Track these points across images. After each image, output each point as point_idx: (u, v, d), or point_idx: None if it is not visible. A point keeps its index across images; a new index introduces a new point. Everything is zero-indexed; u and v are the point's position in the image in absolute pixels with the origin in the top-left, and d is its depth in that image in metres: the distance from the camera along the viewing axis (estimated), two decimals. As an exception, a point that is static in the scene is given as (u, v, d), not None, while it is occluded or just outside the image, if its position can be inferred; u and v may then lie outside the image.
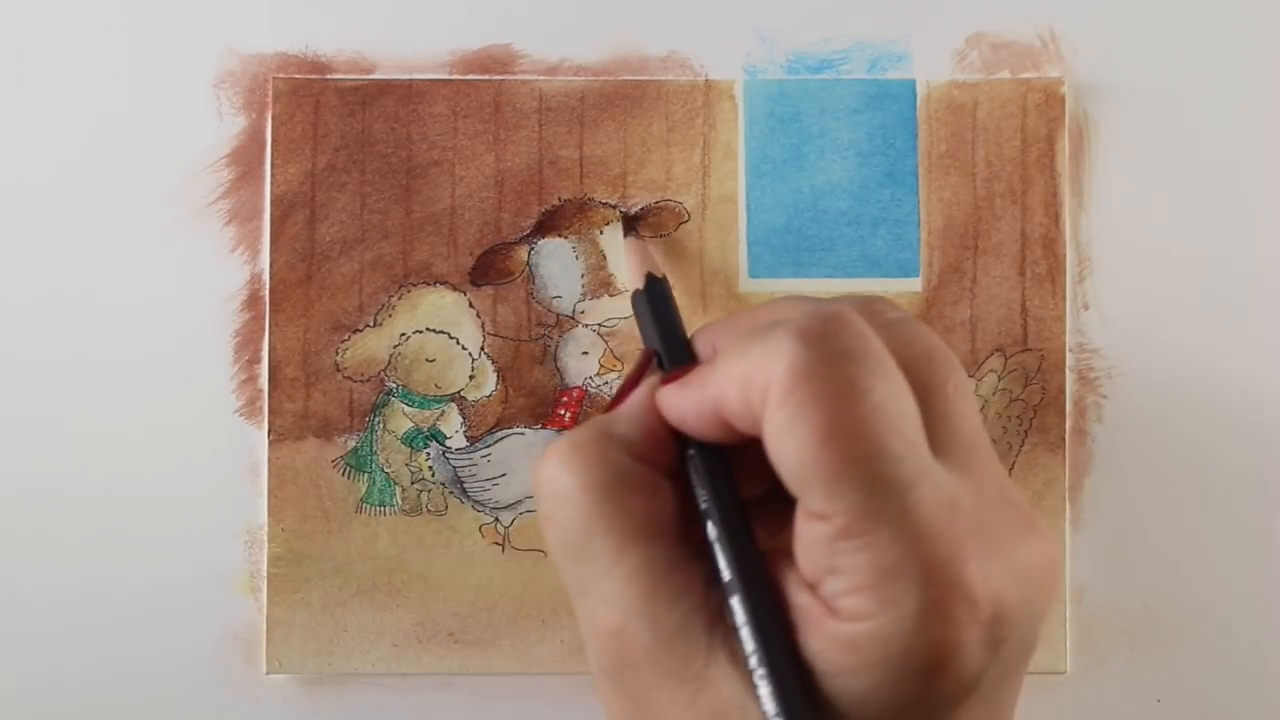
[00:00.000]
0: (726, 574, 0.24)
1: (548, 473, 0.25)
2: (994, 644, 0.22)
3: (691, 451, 0.26)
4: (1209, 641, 0.38)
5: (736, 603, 0.24)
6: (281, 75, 0.37)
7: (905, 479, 0.22)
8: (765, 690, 0.22)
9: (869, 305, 0.25)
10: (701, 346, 0.28)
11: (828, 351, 0.22)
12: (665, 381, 0.27)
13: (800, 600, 0.23)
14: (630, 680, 0.24)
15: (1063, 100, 0.37)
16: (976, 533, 0.23)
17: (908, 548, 0.22)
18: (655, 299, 0.31)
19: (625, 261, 0.36)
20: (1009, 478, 0.25)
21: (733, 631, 0.24)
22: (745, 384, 0.23)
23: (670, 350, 0.29)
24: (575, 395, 0.37)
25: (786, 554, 0.24)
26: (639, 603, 0.24)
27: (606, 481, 0.25)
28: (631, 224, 0.37)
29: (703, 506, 0.25)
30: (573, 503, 0.25)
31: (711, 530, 0.25)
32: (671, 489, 0.26)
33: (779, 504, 0.25)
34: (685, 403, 0.26)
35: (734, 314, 0.28)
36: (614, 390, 0.28)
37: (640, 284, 0.32)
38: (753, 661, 0.23)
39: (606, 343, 0.37)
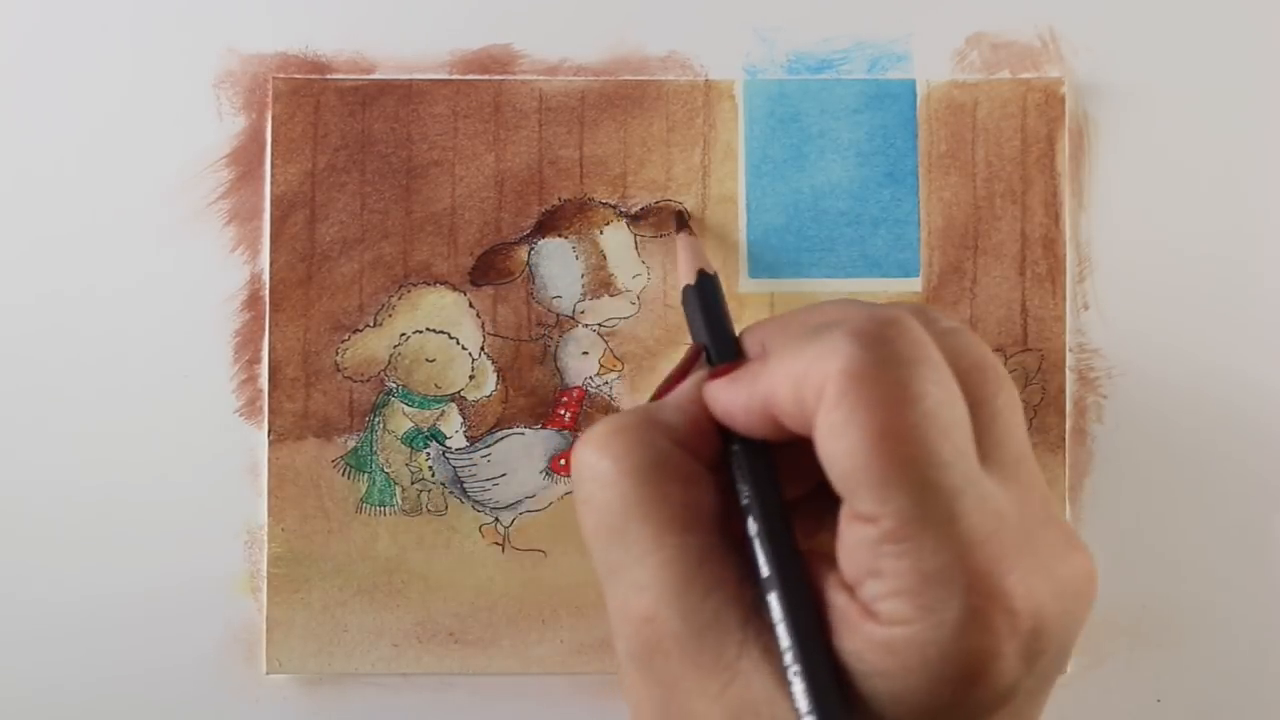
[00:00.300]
0: (765, 569, 0.24)
1: (587, 456, 0.25)
2: (1031, 657, 0.23)
3: (735, 447, 0.26)
4: (1209, 641, 0.38)
5: (774, 599, 0.24)
6: (281, 75, 0.37)
7: (954, 486, 0.22)
8: (799, 687, 0.22)
9: (923, 313, 0.25)
10: (750, 344, 0.28)
11: (884, 355, 0.22)
12: (714, 376, 0.26)
13: (838, 601, 0.23)
14: (659, 667, 0.24)
15: (1063, 100, 0.37)
16: (1020, 545, 0.23)
17: (952, 555, 0.22)
18: (706, 295, 0.31)
19: (679, 257, 0.35)
20: (1050, 493, 0.25)
21: (767, 627, 0.24)
22: (798, 382, 0.23)
23: (719, 346, 0.29)
24: (575, 395, 0.37)
25: (824, 555, 0.24)
26: (673, 591, 0.24)
27: (647, 467, 0.25)
28: (684, 221, 0.37)
29: (744, 502, 0.25)
30: (612, 486, 0.25)
31: (752, 526, 0.25)
32: (712, 481, 0.26)
33: (818, 505, 0.25)
34: (734, 398, 0.25)
35: (784, 313, 0.28)
36: (661, 381, 0.28)
37: (692, 279, 0.32)
38: (788, 658, 0.23)
39: (606, 343, 0.37)
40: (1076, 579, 0.24)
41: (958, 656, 0.22)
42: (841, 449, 0.22)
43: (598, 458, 0.25)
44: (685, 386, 0.27)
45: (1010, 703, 0.23)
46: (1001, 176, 0.37)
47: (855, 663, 0.23)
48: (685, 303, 0.31)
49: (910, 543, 0.22)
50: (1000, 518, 0.23)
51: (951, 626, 0.22)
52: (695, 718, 0.23)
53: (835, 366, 0.22)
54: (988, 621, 0.22)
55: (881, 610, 0.22)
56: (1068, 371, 0.37)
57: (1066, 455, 0.37)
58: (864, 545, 0.22)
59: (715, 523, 0.25)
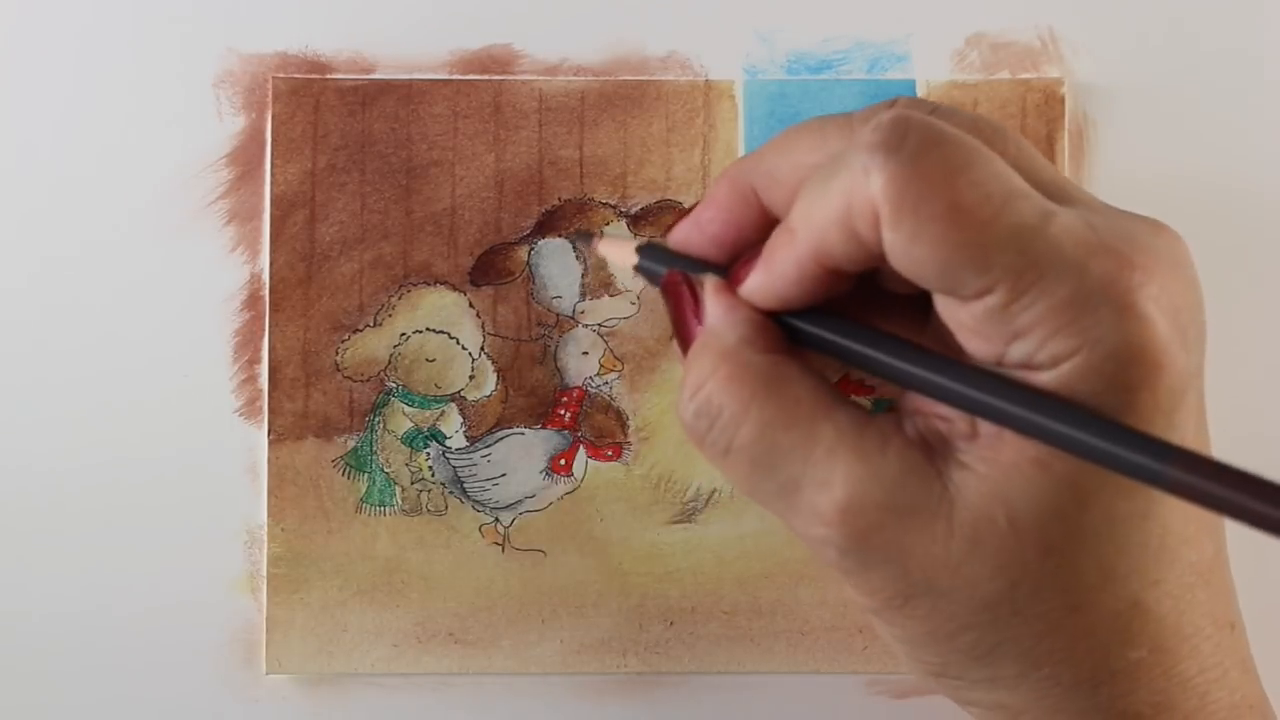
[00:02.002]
0: (923, 363, 0.24)
1: (701, 409, 0.25)
2: (1183, 333, 0.23)
3: (796, 320, 0.26)
4: (1209, 641, 0.37)
5: (959, 381, 0.23)
6: (281, 75, 0.37)
7: (1039, 220, 0.22)
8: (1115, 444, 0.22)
9: (902, 103, 0.25)
10: (725, 199, 0.27)
11: (910, 150, 0.23)
12: (737, 279, 0.26)
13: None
14: (879, 544, 0.24)
15: (1063, 100, 0.37)
16: (1123, 239, 0.23)
17: (1077, 275, 0.22)
18: (663, 248, 0.29)
19: (610, 258, 0.34)
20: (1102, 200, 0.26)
21: (950, 445, 0.24)
22: (844, 218, 0.23)
23: (710, 267, 0.27)
24: (575, 395, 0.37)
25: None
26: (854, 465, 0.24)
27: (760, 384, 0.25)
28: (587, 236, 0.36)
29: (861, 350, 0.25)
30: (742, 420, 0.25)
31: (887, 352, 0.24)
32: (806, 366, 0.26)
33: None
34: (781, 274, 0.25)
35: (754, 154, 0.27)
36: (675, 333, 0.27)
37: (634, 259, 0.29)
38: (1022, 418, 0.23)
39: (606, 343, 0.37)
40: (1177, 252, 0.24)
41: (1132, 356, 0.22)
42: (924, 250, 0.22)
43: (712, 406, 0.25)
44: (714, 307, 0.26)
45: (1192, 387, 0.23)
46: (1001, 177, 0.37)
47: None
48: (646, 270, 0.29)
49: (1034, 288, 0.22)
50: (1091, 226, 0.23)
51: (1114, 334, 0.22)
52: (937, 565, 0.23)
53: (876, 185, 0.22)
54: (1140, 312, 0.22)
55: (1042, 359, 0.22)
56: (1067, 371, 0.37)
57: (1066, 455, 0.37)
58: (991, 318, 0.23)
59: (842, 397, 0.25)
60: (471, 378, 0.37)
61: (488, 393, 0.37)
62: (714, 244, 0.28)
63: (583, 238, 0.37)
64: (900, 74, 0.38)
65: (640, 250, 0.29)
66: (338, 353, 0.37)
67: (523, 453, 0.37)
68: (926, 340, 0.25)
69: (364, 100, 0.37)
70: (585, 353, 0.37)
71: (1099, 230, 0.23)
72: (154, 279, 0.37)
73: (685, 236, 0.28)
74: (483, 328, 0.37)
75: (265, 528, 0.37)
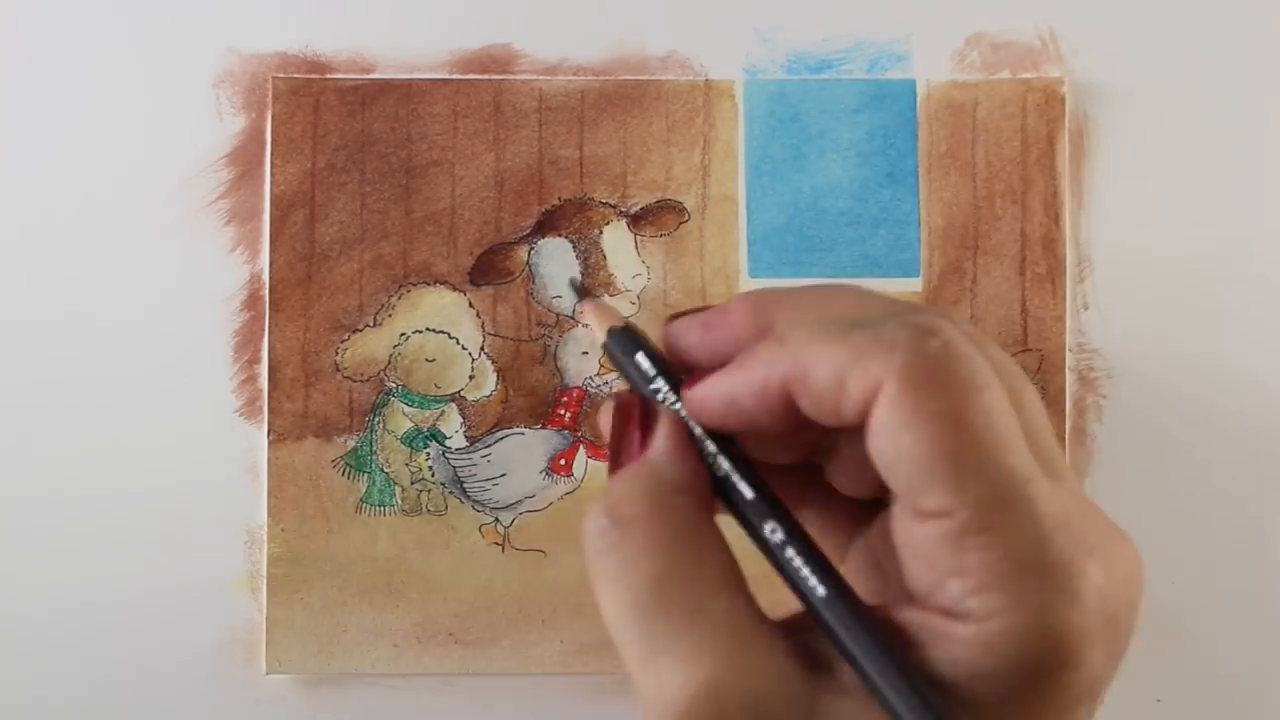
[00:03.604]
0: (814, 579, 0.23)
1: (605, 530, 0.24)
2: (1110, 644, 0.22)
3: (722, 473, 0.25)
4: (1209, 641, 0.38)
5: (846, 629, 0.23)
6: (281, 75, 0.37)
7: (1026, 472, 0.22)
8: (902, 705, 0.22)
9: (947, 314, 0.25)
10: (740, 318, 0.26)
11: (942, 350, 0.22)
12: (695, 380, 0.25)
13: (909, 617, 0.23)
14: None
15: (1063, 100, 0.37)
16: (1089, 531, 0.23)
17: (1038, 539, 0.21)
18: (639, 339, 0.29)
19: (591, 322, 0.34)
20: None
21: (835, 668, 0.23)
22: (843, 368, 0.22)
23: (674, 383, 0.27)
24: (575, 395, 0.37)
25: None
26: (734, 653, 0.23)
27: (680, 533, 0.24)
28: (583, 289, 0.36)
29: (775, 539, 0.24)
30: (646, 558, 0.23)
31: (779, 539, 0.24)
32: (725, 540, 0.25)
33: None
34: (744, 380, 0.24)
35: (789, 291, 0.26)
36: (612, 443, 0.27)
37: (602, 335, 0.30)
38: (881, 683, 0.22)
39: (606, 343, 0.37)
40: (1132, 566, 0.24)
41: (1055, 643, 0.21)
42: (910, 441, 0.22)
43: (624, 530, 0.24)
44: (666, 438, 0.26)
45: (1096, 695, 0.23)
46: (1001, 176, 0.37)
47: (949, 672, 0.22)
48: (615, 355, 0.29)
49: (994, 531, 0.21)
50: (1065, 505, 0.22)
51: (1049, 613, 0.21)
52: None
53: (896, 360, 0.22)
54: (1082, 603, 0.21)
55: (972, 608, 0.22)
56: (1067, 371, 0.37)
57: (1066, 455, 0.37)
58: (941, 543, 0.22)
59: (745, 581, 0.24)
60: (471, 378, 0.37)
61: (488, 393, 0.37)
62: (710, 354, 0.26)
63: (573, 287, 0.37)
64: (900, 74, 0.38)
65: (612, 332, 0.29)
66: (338, 353, 0.37)
67: (523, 453, 0.37)
68: (855, 548, 0.24)
69: (364, 100, 0.37)
70: (585, 353, 0.37)
71: (1070, 510, 0.22)
72: (154, 279, 0.37)
73: (684, 334, 0.27)
74: (483, 328, 0.37)
75: (265, 528, 0.37)
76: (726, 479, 0.25)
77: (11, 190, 0.37)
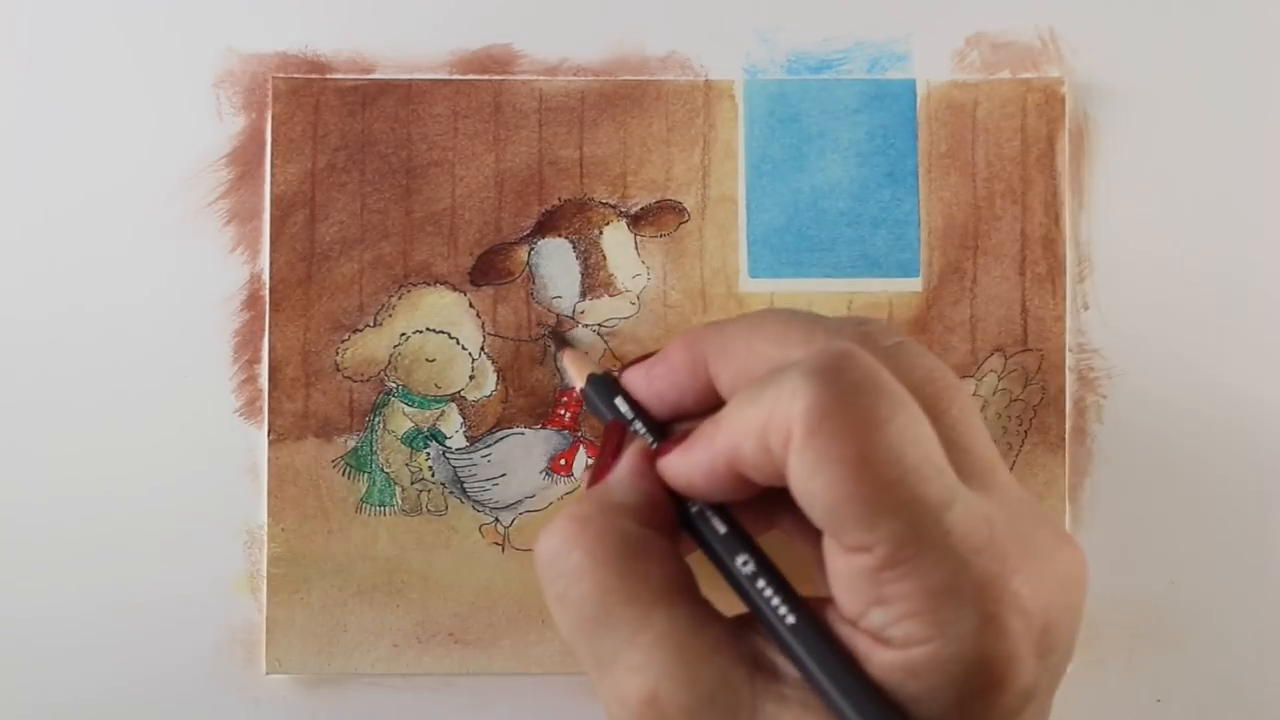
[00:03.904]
0: (785, 608, 0.24)
1: (556, 550, 0.25)
2: (1045, 653, 0.23)
3: (695, 508, 0.26)
4: (1209, 641, 0.38)
5: (804, 634, 0.23)
6: (281, 75, 0.37)
7: (940, 500, 0.22)
8: (851, 712, 0.22)
9: (867, 333, 0.25)
10: (677, 361, 0.28)
11: (842, 387, 0.22)
12: (660, 451, 0.27)
13: (843, 634, 0.23)
14: None
15: (1063, 100, 0.37)
16: (1015, 545, 0.23)
17: (954, 567, 0.22)
18: (614, 386, 0.30)
19: (568, 372, 0.36)
20: (1025, 490, 0.25)
21: (775, 678, 0.24)
22: (762, 431, 0.23)
23: (645, 424, 0.29)
24: (575, 395, 0.37)
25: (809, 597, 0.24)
26: (673, 664, 0.23)
27: (620, 551, 0.25)
28: (562, 339, 0.37)
29: (733, 561, 0.25)
30: (588, 576, 0.25)
31: (750, 571, 0.25)
32: (675, 551, 0.26)
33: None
34: (695, 464, 0.25)
35: (718, 327, 0.28)
36: (592, 468, 0.29)
37: (583, 382, 0.32)
38: (832, 693, 0.23)
39: (606, 343, 0.37)
40: (1072, 570, 0.24)
41: (980, 665, 0.22)
42: (821, 485, 0.22)
43: (567, 550, 0.25)
44: (626, 464, 0.27)
45: (1032, 702, 0.23)
46: (1001, 176, 0.37)
47: (884, 689, 0.22)
48: (592, 400, 0.31)
49: (909, 564, 0.22)
50: (990, 523, 0.23)
51: (969, 637, 0.22)
52: None
53: (797, 407, 0.22)
54: (1003, 625, 0.22)
55: (894, 635, 0.22)
56: (1067, 371, 0.37)
57: (1066, 455, 0.37)
58: (861, 576, 0.22)
59: (693, 590, 0.25)
60: (471, 378, 0.37)
61: (488, 393, 0.37)
62: (656, 398, 0.28)
63: (554, 337, 0.37)
64: (900, 74, 0.38)
65: (590, 379, 0.31)
66: (338, 353, 0.37)
67: (523, 453, 0.37)
68: (819, 565, 0.25)
69: (364, 100, 0.37)
70: (585, 353, 0.37)
71: (996, 528, 0.23)
72: (154, 279, 0.37)
73: (634, 382, 0.29)
74: (483, 328, 0.37)
75: (265, 528, 0.37)
76: (699, 514, 0.26)
77: (11, 190, 0.37)
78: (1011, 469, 0.37)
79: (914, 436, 0.22)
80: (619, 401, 0.29)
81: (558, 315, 0.37)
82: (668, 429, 0.29)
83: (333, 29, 0.38)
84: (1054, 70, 0.38)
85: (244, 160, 0.37)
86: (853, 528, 0.22)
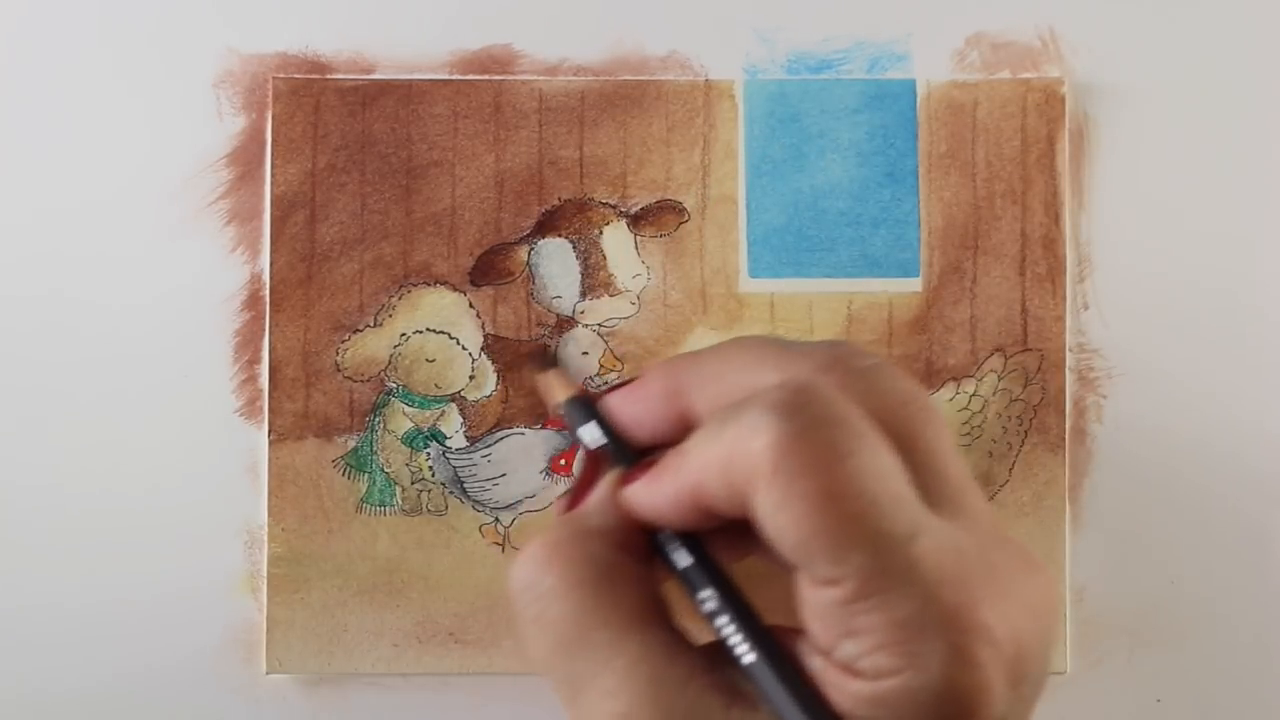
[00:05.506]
0: (746, 645, 0.24)
1: (529, 575, 0.25)
2: (1017, 681, 0.23)
3: (665, 535, 0.26)
4: (1209, 641, 0.38)
5: (764, 672, 0.24)
6: (281, 75, 0.37)
7: (905, 532, 0.22)
8: None
9: (839, 358, 0.25)
10: (654, 388, 0.28)
11: (804, 422, 0.23)
12: (628, 479, 0.27)
13: (815, 665, 0.23)
14: None
15: (1063, 100, 0.37)
16: (985, 574, 0.23)
17: (923, 599, 0.22)
18: (592, 408, 0.30)
19: (545, 394, 0.35)
20: (997, 516, 0.25)
21: (750, 705, 0.24)
22: (725, 467, 0.23)
23: (621, 451, 0.29)
24: (575, 395, 0.37)
25: (782, 626, 0.24)
26: (646, 690, 0.24)
27: (594, 576, 0.25)
28: (544, 360, 0.36)
29: (699, 590, 0.25)
30: (562, 600, 0.25)
31: (711, 606, 0.25)
32: (650, 576, 0.26)
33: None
34: (661, 495, 0.25)
35: (694, 357, 0.28)
36: (568, 491, 0.29)
37: (560, 407, 0.31)
38: None
39: (606, 343, 0.37)
40: (1043, 598, 0.24)
41: (950, 696, 0.22)
42: (786, 522, 0.22)
43: (541, 575, 0.25)
44: (602, 491, 0.27)
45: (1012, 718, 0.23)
46: (1001, 176, 0.37)
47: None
48: (568, 419, 0.31)
49: (877, 597, 0.22)
50: (959, 552, 0.23)
51: (939, 669, 0.22)
52: None
53: (759, 443, 0.22)
54: (972, 656, 0.22)
55: (864, 667, 0.22)
56: (1067, 371, 0.37)
57: (1066, 455, 0.37)
58: (831, 608, 0.22)
59: (668, 617, 0.25)
60: (471, 378, 0.37)
61: (488, 393, 0.37)
62: (632, 424, 0.28)
63: (535, 358, 0.37)
64: (900, 73, 0.38)
65: (567, 402, 0.30)
66: (338, 353, 0.37)
67: (523, 453, 0.37)
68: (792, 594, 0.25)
69: (364, 100, 0.37)
70: (585, 353, 0.37)
71: (964, 558, 0.23)
72: (154, 279, 0.37)
73: (615, 410, 0.29)
74: (483, 328, 0.37)
75: (265, 528, 0.37)
76: (664, 545, 0.26)
77: (11, 190, 0.37)
78: (1011, 469, 0.37)
79: (877, 469, 0.23)
80: (593, 425, 0.29)
81: (557, 316, 0.37)
82: (644, 455, 0.28)
83: (333, 29, 0.38)
84: (1054, 70, 0.38)
85: (244, 160, 0.37)
86: (821, 561, 0.22)
